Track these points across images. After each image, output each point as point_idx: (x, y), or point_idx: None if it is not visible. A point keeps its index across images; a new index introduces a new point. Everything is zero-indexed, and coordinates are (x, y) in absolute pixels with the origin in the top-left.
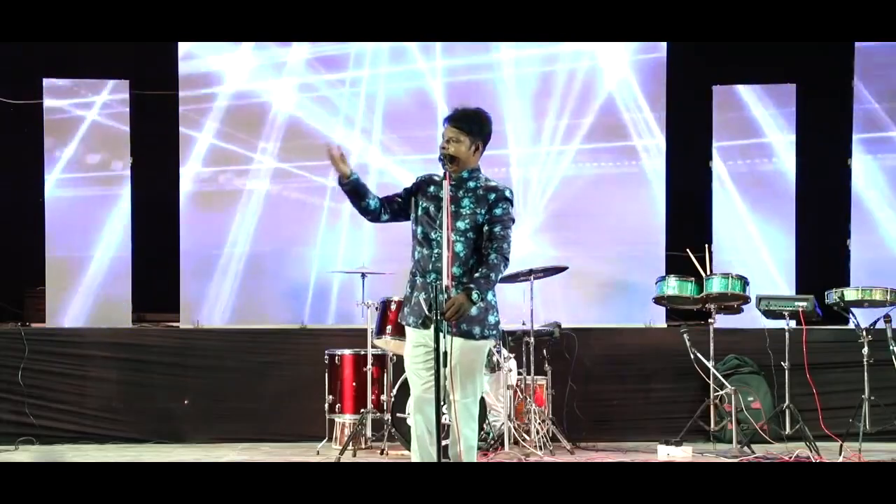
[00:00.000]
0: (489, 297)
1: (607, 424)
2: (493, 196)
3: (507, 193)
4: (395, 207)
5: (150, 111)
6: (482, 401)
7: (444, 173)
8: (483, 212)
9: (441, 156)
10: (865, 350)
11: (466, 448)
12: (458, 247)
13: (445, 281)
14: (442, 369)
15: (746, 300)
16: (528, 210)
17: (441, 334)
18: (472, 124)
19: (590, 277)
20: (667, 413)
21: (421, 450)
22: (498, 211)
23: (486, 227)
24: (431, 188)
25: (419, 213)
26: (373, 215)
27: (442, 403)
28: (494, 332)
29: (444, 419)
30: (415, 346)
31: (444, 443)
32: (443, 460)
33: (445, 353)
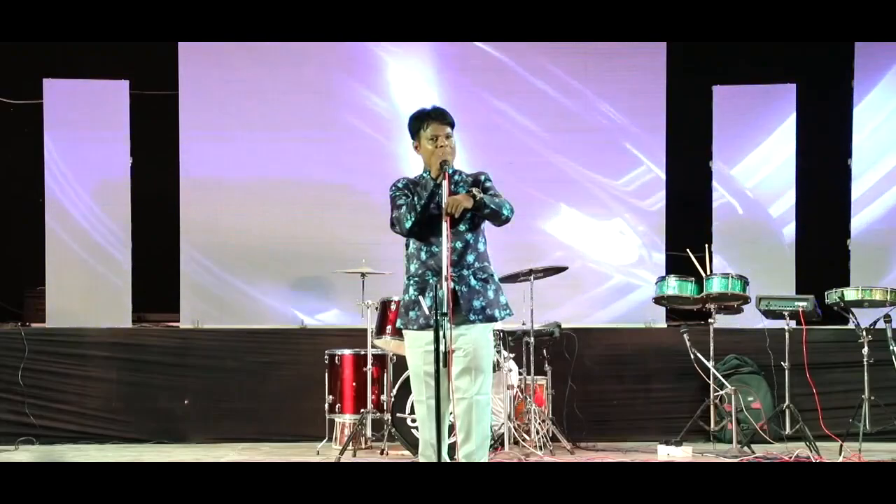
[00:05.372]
0: (496, 278)
1: (607, 424)
2: (482, 177)
3: (489, 174)
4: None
5: (150, 111)
6: None
7: (444, 172)
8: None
9: (445, 157)
10: (865, 350)
11: (481, 444)
12: (469, 235)
13: (444, 272)
14: (443, 369)
15: (746, 300)
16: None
17: (442, 332)
18: (452, 119)
19: (590, 277)
20: (667, 413)
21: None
22: (488, 183)
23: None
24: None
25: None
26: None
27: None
28: (508, 310)
29: (450, 417)
30: (426, 352)
31: (451, 440)
32: (452, 458)
33: (447, 352)
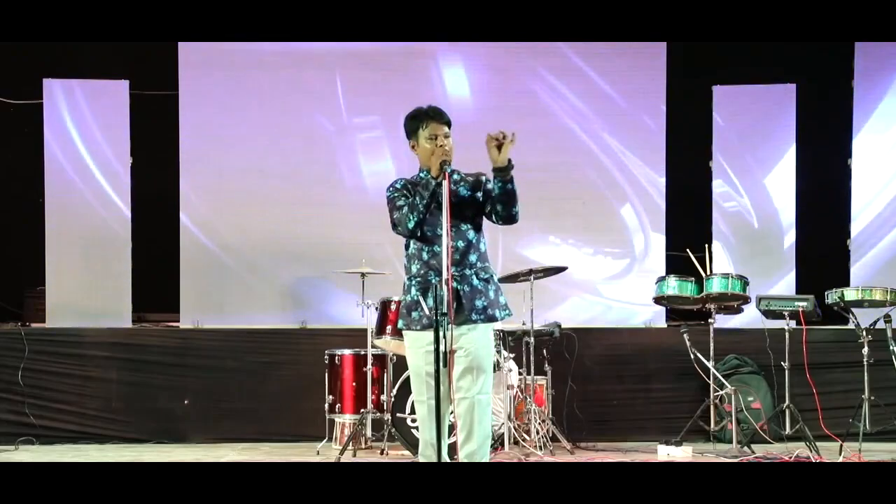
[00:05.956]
0: (495, 278)
1: (607, 424)
2: (483, 177)
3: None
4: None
5: (150, 111)
6: None
7: (444, 172)
8: (480, 193)
9: (445, 157)
10: (865, 350)
11: (482, 443)
12: (471, 234)
13: (445, 275)
14: (443, 369)
15: (746, 300)
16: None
17: (442, 333)
18: (449, 118)
19: (590, 277)
20: (667, 413)
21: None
22: (490, 185)
23: (488, 197)
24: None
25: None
26: (419, 229)
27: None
28: (508, 310)
29: (451, 417)
30: (428, 352)
31: (451, 440)
32: (452, 458)
33: (447, 353)
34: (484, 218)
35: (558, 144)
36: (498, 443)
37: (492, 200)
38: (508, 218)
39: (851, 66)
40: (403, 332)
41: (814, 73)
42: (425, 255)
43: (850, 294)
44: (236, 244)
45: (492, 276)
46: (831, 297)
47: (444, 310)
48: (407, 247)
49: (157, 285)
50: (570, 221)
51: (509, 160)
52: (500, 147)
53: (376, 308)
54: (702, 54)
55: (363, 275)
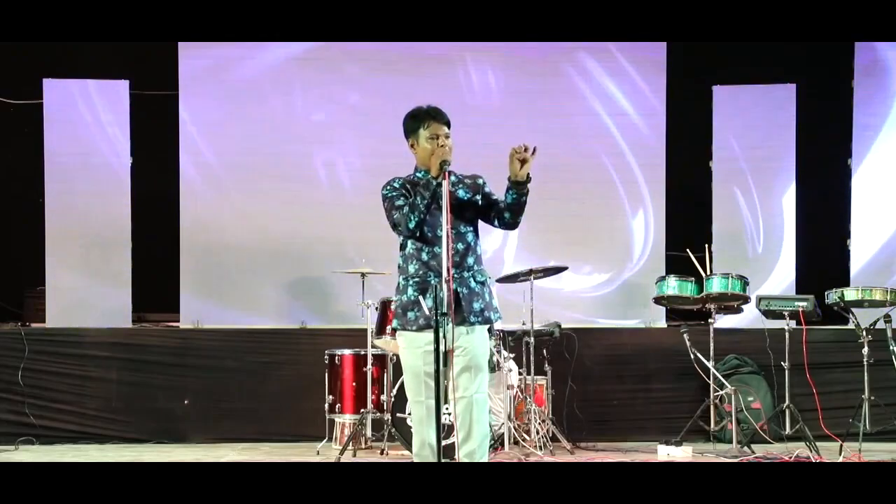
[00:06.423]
0: (489, 282)
1: (607, 424)
2: (480, 180)
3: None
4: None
5: (150, 111)
6: None
7: (445, 173)
8: (479, 196)
9: (445, 157)
10: (865, 350)
11: (481, 442)
12: (470, 237)
13: (445, 275)
14: (443, 369)
15: (746, 300)
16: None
17: (442, 333)
18: (448, 119)
19: (589, 277)
20: (667, 413)
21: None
22: (487, 188)
23: (489, 201)
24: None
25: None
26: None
27: (445, 404)
28: (499, 313)
29: (447, 419)
30: (426, 352)
31: (449, 441)
32: (451, 459)
33: (447, 352)
34: (480, 221)
35: (558, 144)
36: (498, 443)
37: (498, 207)
38: (513, 225)
39: (851, 66)
40: (398, 333)
41: (814, 73)
42: (424, 256)
43: (850, 294)
44: (236, 244)
45: (486, 279)
46: (831, 297)
47: (444, 310)
48: (403, 246)
49: (157, 285)
50: (570, 221)
51: (528, 175)
52: (522, 161)
53: (376, 308)
54: (702, 54)
55: (363, 275)
